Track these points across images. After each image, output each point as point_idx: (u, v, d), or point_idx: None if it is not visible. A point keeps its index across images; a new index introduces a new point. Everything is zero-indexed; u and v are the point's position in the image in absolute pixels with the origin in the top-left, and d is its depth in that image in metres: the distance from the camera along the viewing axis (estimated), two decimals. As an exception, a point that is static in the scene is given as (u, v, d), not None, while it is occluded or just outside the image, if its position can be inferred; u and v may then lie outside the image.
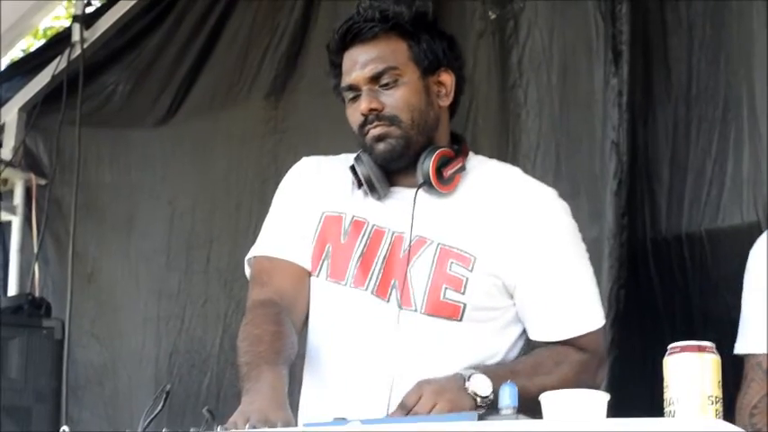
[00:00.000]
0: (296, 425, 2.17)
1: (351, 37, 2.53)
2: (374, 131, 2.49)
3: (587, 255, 2.57)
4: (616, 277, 3.35)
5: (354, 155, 2.59)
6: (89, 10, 4.66)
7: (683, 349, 1.85)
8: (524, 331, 2.55)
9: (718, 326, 2.83)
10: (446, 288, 2.45)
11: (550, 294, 2.50)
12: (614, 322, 3.27)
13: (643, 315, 3.40)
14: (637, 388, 2.84)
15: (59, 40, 4.76)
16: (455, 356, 2.43)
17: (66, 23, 5.27)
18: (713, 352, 1.85)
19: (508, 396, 1.89)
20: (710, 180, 3.40)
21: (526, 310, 2.51)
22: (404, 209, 2.51)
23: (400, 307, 2.45)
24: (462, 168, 2.54)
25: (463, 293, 2.44)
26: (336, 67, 2.57)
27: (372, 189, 2.53)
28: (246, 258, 2.62)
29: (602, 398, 1.83)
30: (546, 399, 1.84)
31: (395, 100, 2.49)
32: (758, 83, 3.31)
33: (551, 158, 3.61)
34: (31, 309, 4.00)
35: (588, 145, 3.54)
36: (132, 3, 4.54)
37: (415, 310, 2.44)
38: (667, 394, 1.84)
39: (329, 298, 2.53)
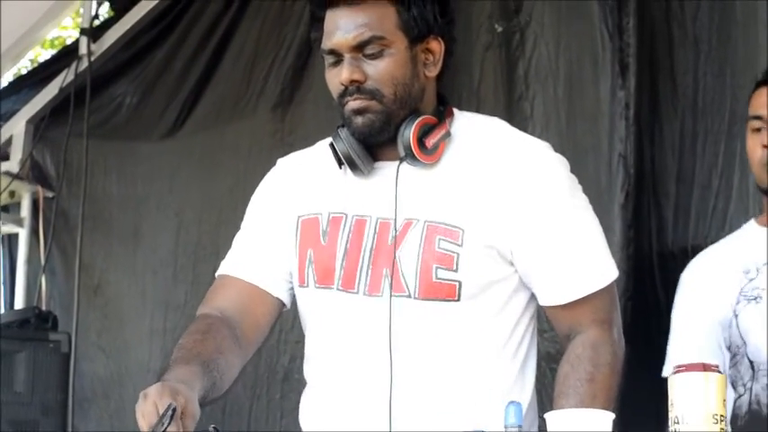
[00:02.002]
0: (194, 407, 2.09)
1: None
2: (353, 104, 2.32)
3: (591, 207, 2.41)
4: (623, 290, 3.34)
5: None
6: (96, 23, 4.68)
7: (688, 368, 1.85)
8: (527, 305, 2.39)
9: (724, 339, 2.83)
10: (437, 267, 2.29)
11: (554, 252, 2.32)
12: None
13: (649, 328, 3.40)
14: (643, 403, 2.84)
15: (67, 53, 4.79)
16: (456, 342, 2.31)
17: (74, 33, 5.29)
18: (717, 371, 1.85)
19: (513, 415, 1.88)
20: (717, 193, 3.41)
21: (531, 274, 2.34)
22: (387, 189, 2.36)
23: (392, 295, 2.31)
24: (447, 135, 2.36)
25: (456, 271, 2.28)
26: (318, 21, 2.39)
27: (354, 167, 2.38)
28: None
29: (607, 417, 1.83)
30: (551, 418, 1.83)
31: (378, 72, 2.31)
32: (764, 96, 3.32)
33: (558, 171, 3.61)
34: (38, 322, 3.98)
35: (595, 158, 3.53)
36: (139, 16, 4.55)
37: (409, 296, 2.31)
38: (672, 413, 1.84)
39: (320, 306, 2.41)
